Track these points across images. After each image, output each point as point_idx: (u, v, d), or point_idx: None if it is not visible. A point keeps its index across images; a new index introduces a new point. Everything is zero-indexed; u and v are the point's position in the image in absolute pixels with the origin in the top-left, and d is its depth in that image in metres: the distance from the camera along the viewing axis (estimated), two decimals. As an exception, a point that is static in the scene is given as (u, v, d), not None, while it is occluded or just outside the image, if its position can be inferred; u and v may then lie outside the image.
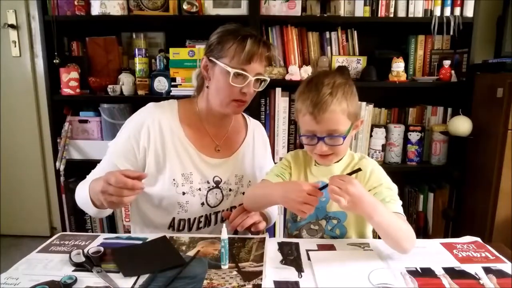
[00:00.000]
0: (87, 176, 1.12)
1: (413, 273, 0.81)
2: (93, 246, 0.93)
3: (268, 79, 1.14)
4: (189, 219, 1.13)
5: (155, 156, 1.09)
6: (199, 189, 1.12)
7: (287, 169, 1.08)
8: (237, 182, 1.18)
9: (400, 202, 0.96)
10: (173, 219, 1.12)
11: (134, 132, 1.09)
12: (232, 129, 1.22)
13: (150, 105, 1.15)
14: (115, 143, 1.12)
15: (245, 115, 1.30)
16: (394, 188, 0.99)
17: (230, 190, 1.17)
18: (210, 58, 1.08)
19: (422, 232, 2.13)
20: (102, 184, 0.88)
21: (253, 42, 1.04)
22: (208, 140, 1.17)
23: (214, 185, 1.14)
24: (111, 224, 2.19)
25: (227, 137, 1.20)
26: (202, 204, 1.13)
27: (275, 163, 1.32)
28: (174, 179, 1.09)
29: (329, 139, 0.94)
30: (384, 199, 0.93)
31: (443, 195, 2.07)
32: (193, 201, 1.11)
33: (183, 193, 1.10)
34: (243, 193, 1.18)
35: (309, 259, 0.87)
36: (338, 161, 1.03)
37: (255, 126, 1.29)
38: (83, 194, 1.02)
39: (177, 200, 1.10)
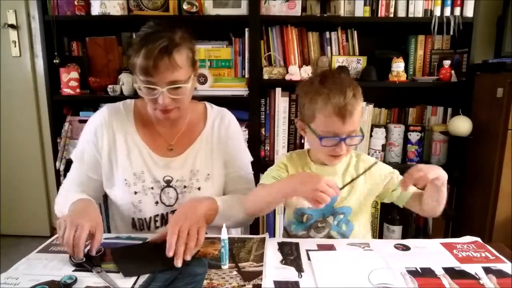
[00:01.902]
0: (61, 187, 1.15)
1: (413, 273, 0.81)
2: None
3: (187, 85, 1.03)
4: (145, 219, 1.12)
5: (108, 156, 1.11)
6: (152, 187, 1.11)
7: (284, 172, 1.08)
8: (191, 178, 1.14)
9: None
10: (133, 219, 1.13)
11: (91, 136, 1.13)
12: (187, 125, 1.17)
13: (104, 107, 1.17)
14: (79, 151, 1.14)
15: (208, 104, 1.23)
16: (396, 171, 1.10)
17: (185, 187, 1.13)
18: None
19: (422, 232, 2.13)
20: (59, 222, 0.89)
21: (147, 53, 0.96)
22: (161, 140, 1.15)
23: (165, 184, 1.12)
24: (111, 224, 2.19)
25: (181, 134, 1.16)
26: (157, 203, 1.12)
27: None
28: (126, 179, 1.10)
29: (350, 139, 0.97)
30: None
31: (443, 195, 2.07)
32: (145, 200, 1.10)
33: (135, 193, 1.10)
34: (199, 188, 1.13)
35: (309, 259, 0.87)
36: None
37: (217, 116, 1.20)
38: (64, 211, 1.01)
39: (131, 200, 1.10)
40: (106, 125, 1.12)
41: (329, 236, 1.06)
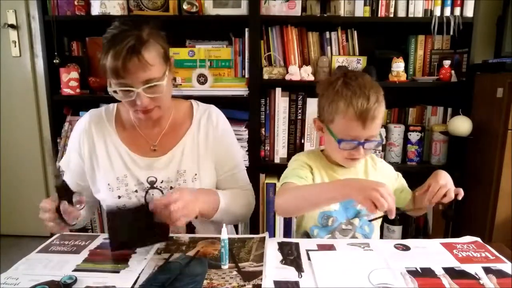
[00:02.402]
0: None
1: (413, 273, 0.81)
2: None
3: (162, 82, 0.99)
4: None
5: (90, 162, 1.11)
6: (136, 191, 1.09)
7: (309, 172, 1.05)
8: (178, 178, 1.10)
9: None
10: None
11: (74, 144, 1.13)
12: (171, 124, 1.14)
13: (86, 113, 1.17)
14: (66, 160, 1.15)
15: (194, 102, 1.20)
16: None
17: (171, 188, 1.10)
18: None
19: (422, 232, 2.13)
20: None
21: (114, 55, 0.93)
22: (142, 141, 1.12)
23: (149, 186, 1.09)
24: (111, 224, 2.18)
25: (164, 134, 1.13)
26: None
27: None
28: (108, 184, 1.09)
29: (368, 144, 0.97)
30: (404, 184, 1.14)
31: (443, 195, 2.07)
32: (130, 204, 1.08)
33: (119, 197, 1.09)
34: None
35: (309, 259, 0.87)
36: None
37: (203, 114, 1.16)
38: None
39: (116, 205, 1.08)
40: (86, 132, 1.12)
41: (354, 238, 1.06)
